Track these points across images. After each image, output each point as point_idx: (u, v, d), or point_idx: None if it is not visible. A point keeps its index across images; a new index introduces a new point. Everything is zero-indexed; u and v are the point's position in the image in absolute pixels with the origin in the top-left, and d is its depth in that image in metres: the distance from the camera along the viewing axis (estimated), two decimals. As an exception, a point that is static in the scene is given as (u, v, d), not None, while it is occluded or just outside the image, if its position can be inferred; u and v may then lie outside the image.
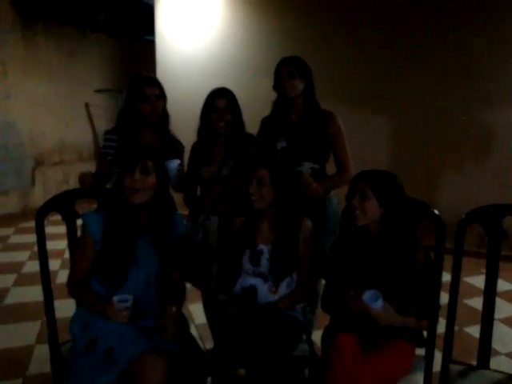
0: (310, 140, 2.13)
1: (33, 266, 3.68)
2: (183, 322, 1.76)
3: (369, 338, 1.54)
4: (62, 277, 3.25)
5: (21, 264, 3.94)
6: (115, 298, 1.56)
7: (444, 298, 1.67)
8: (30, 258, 4.06)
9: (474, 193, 4.01)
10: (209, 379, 1.70)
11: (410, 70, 4.18)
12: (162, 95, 2.17)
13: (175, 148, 2.25)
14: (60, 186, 5.81)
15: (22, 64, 5.49)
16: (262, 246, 1.80)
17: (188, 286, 2.29)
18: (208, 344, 2.19)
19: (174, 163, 1.99)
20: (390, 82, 4.27)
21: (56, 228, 3.84)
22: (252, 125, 2.29)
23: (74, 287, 1.67)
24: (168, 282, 1.72)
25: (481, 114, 4.05)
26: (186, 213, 2.25)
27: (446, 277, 1.68)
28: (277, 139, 2.17)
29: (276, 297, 1.77)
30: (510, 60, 3.89)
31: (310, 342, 1.79)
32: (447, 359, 1.68)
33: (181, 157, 2.28)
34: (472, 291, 3.36)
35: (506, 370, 1.67)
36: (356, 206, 1.57)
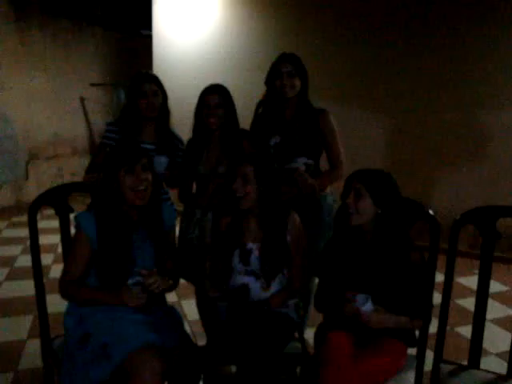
0: (304, 135, 2.12)
1: (25, 260, 3.66)
2: (178, 319, 1.76)
3: (361, 336, 1.54)
4: (55, 271, 3.24)
5: (13, 258, 3.92)
6: (130, 282, 1.55)
7: (436, 297, 1.67)
8: (23, 252, 4.04)
9: (469, 194, 4.04)
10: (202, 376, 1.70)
11: (406, 71, 4.19)
12: (160, 92, 2.21)
13: (173, 144, 2.26)
14: (54, 180, 5.78)
15: (17, 56, 5.44)
16: (250, 245, 1.79)
17: (182, 282, 2.30)
18: (201, 341, 2.20)
19: (163, 160, 2.00)
20: (386, 82, 4.27)
21: (48, 222, 3.82)
22: (249, 121, 2.29)
23: (69, 286, 1.63)
24: (162, 270, 1.71)
25: (476, 115, 4.06)
26: (181, 209, 2.24)
27: (439, 277, 1.69)
28: (270, 135, 2.16)
29: (269, 294, 1.77)
30: (507, 62, 3.91)
31: (302, 340, 1.80)
32: (438, 359, 1.68)
33: (178, 154, 2.28)
34: (464, 292, 3.38)
35: (497, 370, 1.68)
36: (350, 204, 1.57)
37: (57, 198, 1.81)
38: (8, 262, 3.85)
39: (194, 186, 2.25)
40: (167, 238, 1.77)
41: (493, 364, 2.33)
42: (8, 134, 5.39)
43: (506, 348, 1.76)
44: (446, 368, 1.66)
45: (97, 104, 6.51)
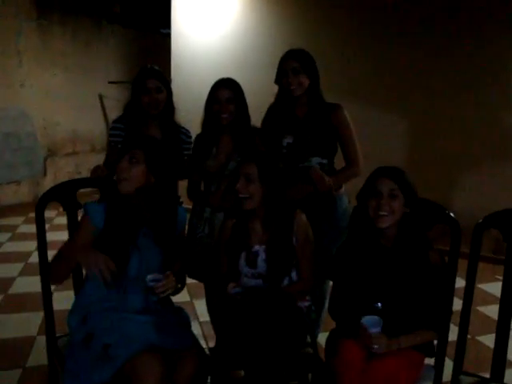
0: (317, 134, 2.04)
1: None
2: (185, 320, 1.70)
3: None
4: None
5: (28, 254, 3.93)
6: (150, 277, 1.52)
7: (456, 304, 1.58)
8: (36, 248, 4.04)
9: (490, 196, 3.89)
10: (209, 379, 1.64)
11: (429, 70, 4.07)
12: (164, 88, 2.17)
13: (180, 140, 2.22)
14: (72, 177, 5.80)
15: (37, 53, 5.49)
16: (257, 247, 1.72)
17: (194, 281, 2.24)
18: (212, 343, 2.14)
19: None
20: (408, 82, 4.16)
21: (63, 219, 3.80)
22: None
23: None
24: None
25: (499, 116, 3.91)
26: (190, 206, 2.18)
27: (459, 283, 1.60)
28: (282, 135, 2.09)
29: None
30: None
31: (315, 345, 1.72)
32: (458, 370, 1.59)
33: (187, 148, 2.24)
34: (486, 298, 3.25)
35: (522, 384, 1.59)
36: (385, 205, 1.47)
37: (65, 194, 1.78)
38: (23, 257, 3.85)
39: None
40: (177, 243, 1.71)
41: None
42: (27, 130, 5.44)
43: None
44: (466, 380, 1.57)
45: (115, 101, 6.52)
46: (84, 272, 1.65)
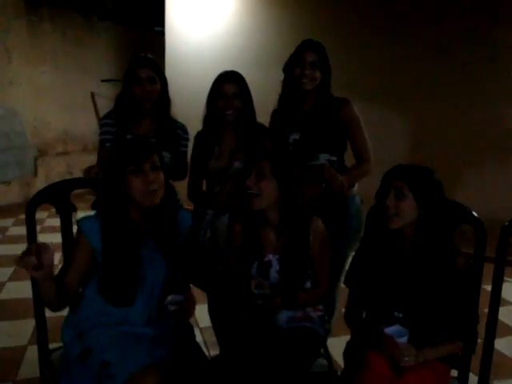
0: (325, 129, 1.92)
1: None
2: (188, 330, 1.58)
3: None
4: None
5: (19, 257, 3.77)
6: (169, 299, 1.40)
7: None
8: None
9: (500, 196, 3.79)
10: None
11: (432, 67, 3.97)
12: (158, 78, 1.99)
13: (176, 136, 2.06)
14: (63, 177, 5.64)
15: (27, 51, 5.34)
16: (270, 257, 1.58)
17: (192, 286, 2.11)
18: (213, 350, 2.02)
19: (165, 156, 1.83)
20: (412, 79, 4.05)
21: (55, 220, 3.66)
22: (264, 118, 2.09)
23: None
24: (175, 286, 1.52)
25: (505, 113, 3.82)
26: (191, 207, 2.06)
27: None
28: (289, 131, 1.97)
29: (290, 312, 1.57)
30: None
31: (329, 357, 1.60)
32: (484, 382, 1.48)
33: (184, 144, 2.10)
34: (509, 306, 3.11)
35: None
36: (391, 206, 1.35)
37: (58, 195, 1.65)
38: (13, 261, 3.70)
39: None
40: (180, 251, 1.55)
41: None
42: (17, 129, 5.28)
43: None
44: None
45: (108, 100, 6.36)
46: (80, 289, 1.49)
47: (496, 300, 1.48)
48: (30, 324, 2.65)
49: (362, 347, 1.37)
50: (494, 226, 1.56)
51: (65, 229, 1.67)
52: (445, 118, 4.00)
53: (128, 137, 1.98)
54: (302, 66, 1.90)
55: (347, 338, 1.56)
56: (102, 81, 6.31)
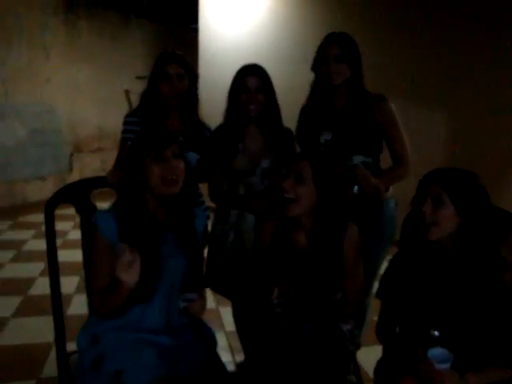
0: (359, 129, 1.80)
1: (63, 256, 3.51)
2: (210, 339, 1.50)
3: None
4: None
5: (51, 253, 3.82)
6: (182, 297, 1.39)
7: None
8: (61, 247, 3.92)
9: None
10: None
11: (476, 68, 3.74)
12: (187, 74, 1.91)
13: (203, 136, 1.96)
14: (97, 174, 5.72)
15: (64, 48, 5.43)
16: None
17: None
18: (239, 356, 1.94)
19: (192, 156, 1.74)
20: (454, 79, 3.84)
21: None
22: (292, 116, 1.98)
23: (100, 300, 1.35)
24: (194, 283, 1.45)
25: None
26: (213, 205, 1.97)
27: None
28: (320, 131, 1.85)
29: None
30: None
31: (358, 374, 1.49)
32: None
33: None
34: None
35: None
36: (428, 214, 1.23)
37: (77, 195, 1.60)
38: (45, 256, 3.74)
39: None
40: (199, 245, 1.49)
41: None
42: (53, 126, 5.38)
43: None
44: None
45: (142, 97, 6.42)
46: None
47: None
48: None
49: (396, 369, 1.25)
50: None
51: (85, 229, 1.62)
52: (492, 120, 3.76)
53: None
54: (325, 62, 1.79)
55: (378, 348, 1.46)
56: (137, 78, 6.34)
